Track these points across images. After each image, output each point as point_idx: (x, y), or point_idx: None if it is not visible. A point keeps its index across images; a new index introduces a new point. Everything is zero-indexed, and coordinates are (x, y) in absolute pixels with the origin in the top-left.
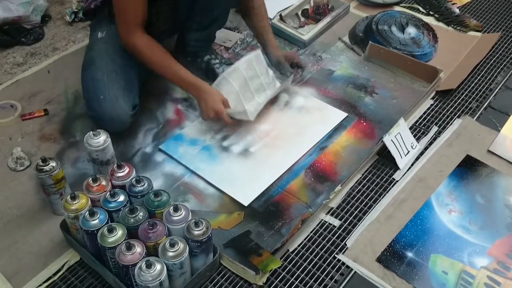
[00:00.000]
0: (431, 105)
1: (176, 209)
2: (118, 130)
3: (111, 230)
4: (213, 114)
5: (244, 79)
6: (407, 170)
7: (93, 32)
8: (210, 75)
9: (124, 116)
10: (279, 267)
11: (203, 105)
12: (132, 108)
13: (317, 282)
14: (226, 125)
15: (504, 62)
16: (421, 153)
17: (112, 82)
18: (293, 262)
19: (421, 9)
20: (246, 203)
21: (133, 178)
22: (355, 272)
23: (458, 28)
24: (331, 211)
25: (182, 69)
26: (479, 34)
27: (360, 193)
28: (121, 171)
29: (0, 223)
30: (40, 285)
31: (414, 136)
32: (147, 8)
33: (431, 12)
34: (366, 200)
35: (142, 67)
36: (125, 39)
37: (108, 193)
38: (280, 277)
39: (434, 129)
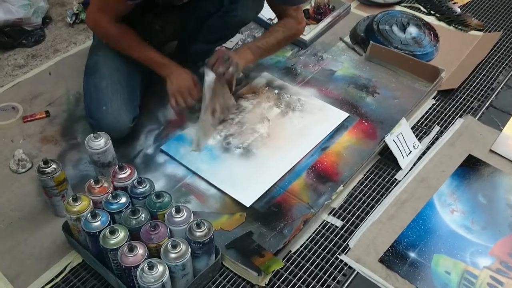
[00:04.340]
0: (433, 104)
1: (178, 210)
2: (115, 139)
3: (113, 232)
4: (185, 88)
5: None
6: (409, 170)
7: None
8: None
9: (124, 128)
10: (281, 268)
11: (174, 81)
12: (132, 120)
13: (320, 283)
14: (186, 105)
15: (506, 61)
16: (423, 153)
17: (116, 94)
18: (296, 263)
19: (422, 8)
20: (248, 204)
21: (134, 179)
22: (358, 272)
23: (460, 27)
24: (333, 212)
25: (152, 50)
26: (480, 33)
27: (362, 193)
28: (122, 172)
29: (2, 225)
30: (43, 287)
31: (416, 136)
32: (158, 16)
33: (432, 12)
34: (368, 200)
35: (145, 73)
36: (96, 22)
37: (110, 194)
38: (283, 278)
39: (436, 129)
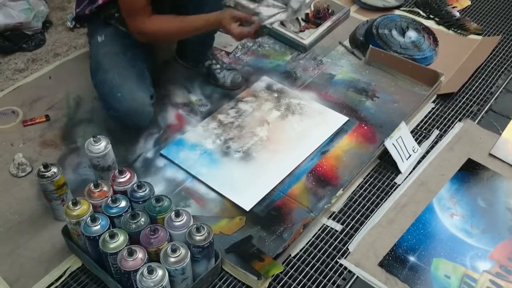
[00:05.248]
0: (432, 108)
1: (177, 214)
2: (143, 123)
3: (112, 236)
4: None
5: None
6: (409, 174)
7: (92, 39)
8: (212, 80)
9: (146, 105)
10: (281, 272)
11: (228, 29)
12: (150, 97)
13: (319, 287)
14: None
15: (505, 65)
16: (423, 157)
17: (125, 79)
18: (295, 267)
19: (421, 12)
20: (247, 208)
21: (134, 183)
22: (357, 276)
23: (459, 31)
24: (333, 216)
25: (194, 17)
26: (479, 37)
27: (362, 197)
28: (122, 176)
29: (2, 229)
30: None
31: (416, 140)
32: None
33: (431, 16)
34: (368, 204)
35: (149, 57)
36: (139, 28)
37: (110, 198)
38: (282, 282)
39: (436, 132)
